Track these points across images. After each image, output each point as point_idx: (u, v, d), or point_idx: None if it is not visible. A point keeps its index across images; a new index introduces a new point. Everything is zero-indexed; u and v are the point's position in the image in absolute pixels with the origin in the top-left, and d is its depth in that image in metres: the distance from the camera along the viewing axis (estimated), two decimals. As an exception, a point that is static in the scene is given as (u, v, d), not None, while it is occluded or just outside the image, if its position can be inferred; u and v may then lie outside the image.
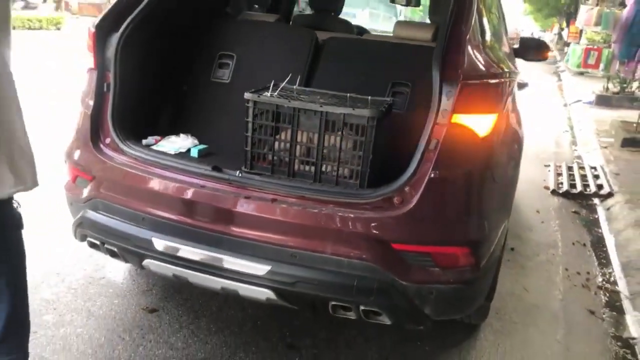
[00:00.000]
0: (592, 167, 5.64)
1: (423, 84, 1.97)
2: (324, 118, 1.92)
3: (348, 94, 2.01)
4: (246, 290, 1.96)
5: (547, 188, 5.06)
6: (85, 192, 2.15)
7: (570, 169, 5.66)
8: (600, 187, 5.00)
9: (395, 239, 1.87)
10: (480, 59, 2.01)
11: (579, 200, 4.86)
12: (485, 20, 2.38)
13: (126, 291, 2.65)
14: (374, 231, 1.86)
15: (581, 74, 13.49)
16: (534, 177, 5.30)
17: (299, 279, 1.89)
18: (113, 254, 2.14)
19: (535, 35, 23.07)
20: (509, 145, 2.19)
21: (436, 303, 1.99)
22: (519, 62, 4.25)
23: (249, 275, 1.91)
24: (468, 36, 1.95)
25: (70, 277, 2.71)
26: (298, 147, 1.99)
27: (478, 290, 2.09)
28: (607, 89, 10.11)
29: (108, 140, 2.16)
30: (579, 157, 6.38)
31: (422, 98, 2.00)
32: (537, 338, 2.67)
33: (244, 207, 1.92)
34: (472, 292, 2.06)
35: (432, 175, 1.84)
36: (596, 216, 4.50)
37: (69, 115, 2.66)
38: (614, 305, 3.07)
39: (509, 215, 2.36)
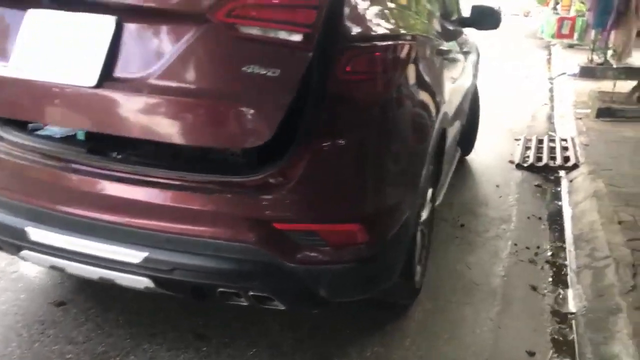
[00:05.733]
0: (562, 140, 5.48)
1: None
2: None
3: None
4: (123, 279, 1.84)
5: (512, 162, 4.91)
6: None
7: (540, 142, 5.50)
8: (567, 159, 4.85)
9: (277, 218, 1.74)
10: (372, 20, 1.84)
11: (544, 173, 4.71)
12: None
13: (37, 285, 2.55)
14: (252, 211, 1.73)
15: (571, 46, 13.23)
16: (501, 151, 5.18)
17: (177, 266, 1.77)
18: None
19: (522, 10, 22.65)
20: (412, 115, 2.03)
21: (331, 284, 1.87)
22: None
23: (124, 263, 1.79)
24: None
25: (-20, 272, 2.61)
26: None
27: (380, 268, 1.97)
28: (592, 60, 9.87)
29: None
30: (553, 130, 6.21)
31: None
32: (469, 317, 2.55)
33: (117, 191, 1.80)
34: (372, 271, 1.93)
35: (313, 147, 1.70)
36: (559, 189, 4.35)
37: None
38: (559, 279, 2.94)
39: (422, 188, 2.20)
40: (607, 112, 6.19)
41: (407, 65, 1.96)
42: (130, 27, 1.69)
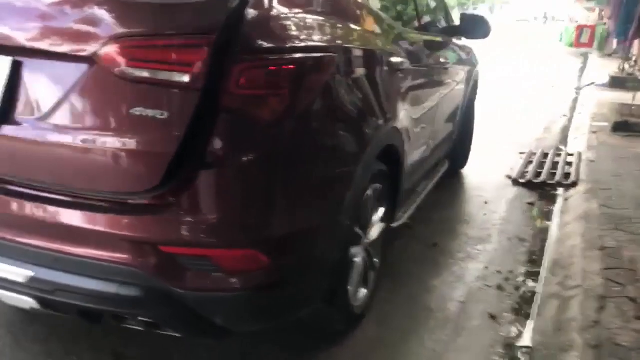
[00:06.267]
0: (569, 154, 5.22)
1: None
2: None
3: None
4: (8, 298, 1.77)
5: (509, 177, 4.69)
6: None
7: (545, 156, 5.25)
8: (567, 176, 4.60)
9: (163, 242, 1.64)
10: (279, 33, 1.71)
11: (541, 190, 4.47)
12: None
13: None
14: (136, 232, 1.63)
15: (609, 55, 12.73)
16: (500, 166, 4.96)
17: (59, 287, 1.68)
18: None
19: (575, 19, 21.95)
20: (326, 135, 1.88)
21: (227, 313, 1.76)
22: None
23: (10, 282, 1.72)
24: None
25: None
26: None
27: (286, 296, 1.84)
28: (623, 69, 9.47)
29: None
30: (565, 144, 5.92)
31: None
32: (413, 347, 2.39)
33: (5, 207, 1.73)
34: (275, 299, 1.80)
35: (202, 167, 1.59)
36: (552, 208, 4.11)
37: None
38: (523, 308, 2.74)
39: (344, 211, 2.04)
40: (624, 126, 5.89)
41: (321, 80, 1.82)
42: (25, 69, 1.66)
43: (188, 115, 1.54)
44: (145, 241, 1.63)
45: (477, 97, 4.82)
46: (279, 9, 1.72)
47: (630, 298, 2.54)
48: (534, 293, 2.88)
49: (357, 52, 2.10)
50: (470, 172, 4.79)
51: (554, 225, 3.73)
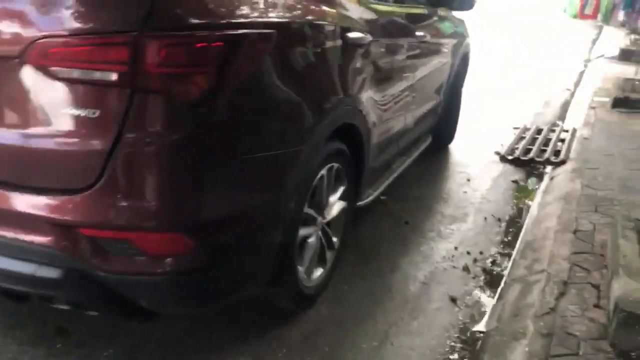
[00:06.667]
0: (564, 131, 5.08)
1: None
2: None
3: None
4: None
5: (497, 154, 4.57)
6: None
7: (539, 132, 5.12)
8: (557, 153, 4.48)
9: (83, 224, 1.60)
10: (209, 8, 1.62)
11: (529, 167, 4.37)
12: None
13: None
14: (56, 214, 1.59)
15: (623, 25, 12.33)
16: (492, 141, 4.84)
17: None
18: None
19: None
20: (259, 114, 1.79)
21: (153, 296, 1.72)
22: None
23: None
24: None
25: None
26: None
27: (217, 280, 1.79)
28: (635, 41, 9.16)
29: None
30: (563, 119, 5.76)
31: None
32: (365, 329, 2.35)
33: None
34: (205, 283, 1.76)
35: (122, 148, 1.54)
36: (537, 187, 4.01)
37: None
38: (486, 292, 2.69)
39: (286, 193, 1.97)
40: (624, 102, 5.71)
41: (255, 58, 1.74)
42: None
43: (119, 114, 1.52)
44: (64, 223, 1.59)
45: (467, 70, 4.67)
46: None
47: (593, 285, 2.47)
48: (501, 276, 2.82)
49: (303, 28, 2.00)
50: (458, 148, 4.69)
51: (534, 205, 3.65)
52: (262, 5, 1.80)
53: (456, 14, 4.16)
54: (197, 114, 1.59)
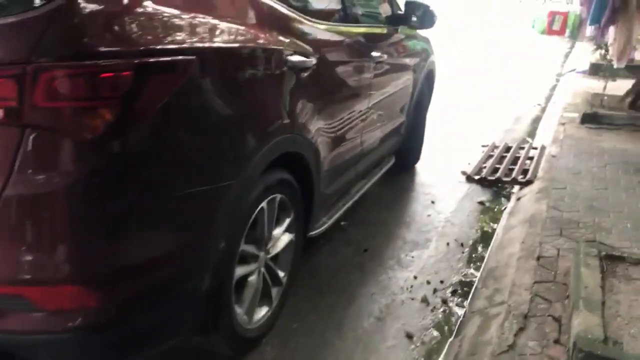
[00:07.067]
0: (533, 148, 5.00)
1: None
2: None
3: None
4: None
5: (464, 173, 4.46)
6: None
7: (507, 149, 5.03)
8: (525, 172, 4.38)
9: None
10: (113, 33, 1.44)
11: (496, 188, 4.25)
12: None
13: None
14: None
15: (591, 40, 12.39)
16: (459, 160, 4.71)
17: None
18: None
19: None
20: (182, 148, 1.62)
21: (53, 356, 1.54)
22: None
23: None
24: None
25: None
26: None
27: (130, 334, 1.60)
28: (605, 56, 9.16)
29: None
30: (533, 136, 5.68)
31: None
32: (312, 372, 2.18)
33: None
34: (114, 338, 1.57)
35: (7, 193, 1.37)
36: (504, 208, 3.89)
37: None
38: (445, 326, 2.53)
39: (214, 232, 1.81)
40: (592, 118, 5.65)
41: (171, 87, 1.56)
42: None
43: (9, 152, 1.36)
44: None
45: (433, 87, 4.57)
46: (113, 9, 1.47)
47: (555, 318, 2.34)
48: (460, 307, 2.68)
49: (233, 52, 1.84)
50: (424, 168, 4.56)
51: (499, 229, 3.53)
52: (183, 30, 1.64)
53: (421, 31, 4.05)
54: (100, 152, 1.43)
